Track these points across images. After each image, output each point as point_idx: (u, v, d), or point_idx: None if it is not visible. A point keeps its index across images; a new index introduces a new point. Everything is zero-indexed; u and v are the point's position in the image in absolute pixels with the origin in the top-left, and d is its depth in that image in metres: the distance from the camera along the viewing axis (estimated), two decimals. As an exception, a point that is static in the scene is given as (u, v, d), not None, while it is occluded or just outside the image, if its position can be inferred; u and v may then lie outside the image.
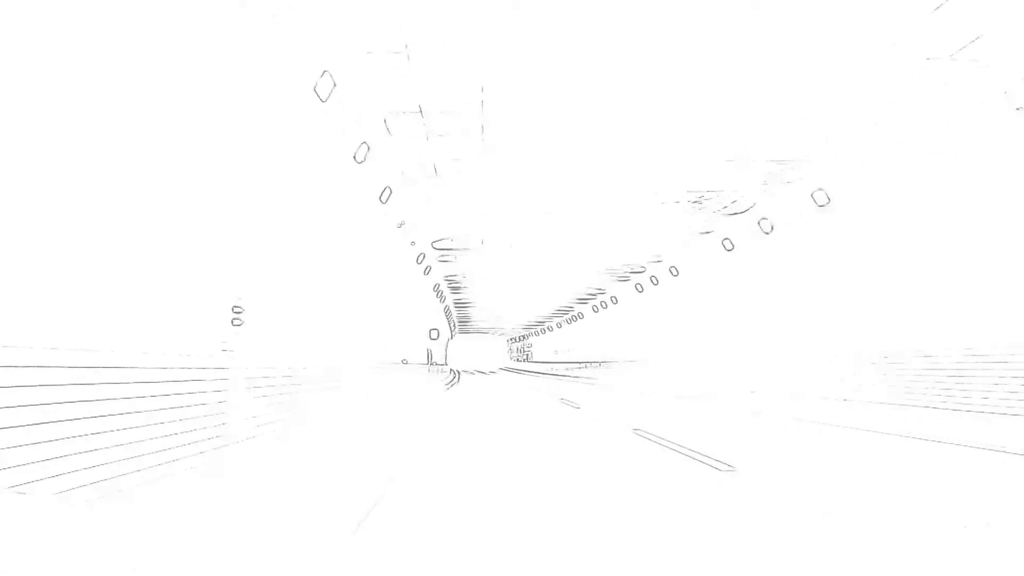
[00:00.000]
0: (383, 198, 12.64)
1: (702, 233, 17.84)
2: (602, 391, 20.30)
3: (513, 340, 68.53)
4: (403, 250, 16.97)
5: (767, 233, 15.27)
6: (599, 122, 10.32)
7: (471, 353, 65.11)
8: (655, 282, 24.61)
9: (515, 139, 10.88)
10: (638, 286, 26.15)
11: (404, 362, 17.79)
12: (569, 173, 12.98)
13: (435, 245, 18.85)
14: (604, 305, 32.32)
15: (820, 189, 12.57)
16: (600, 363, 35.15)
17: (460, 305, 34.84)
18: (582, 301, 34.25)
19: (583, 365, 38.21)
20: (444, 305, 33.39)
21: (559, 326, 44.91)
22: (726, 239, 17.68)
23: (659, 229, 17.64)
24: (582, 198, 14.75)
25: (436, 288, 25.78)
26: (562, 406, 14.07)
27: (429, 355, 25.57)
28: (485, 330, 57.46)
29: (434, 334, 25.77)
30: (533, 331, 57.68)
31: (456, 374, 39.17)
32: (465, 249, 19.87)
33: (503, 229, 17.70)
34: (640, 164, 12.38)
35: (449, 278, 27.47)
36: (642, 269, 24.30)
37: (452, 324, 50.66)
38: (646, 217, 16.34)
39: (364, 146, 10.20)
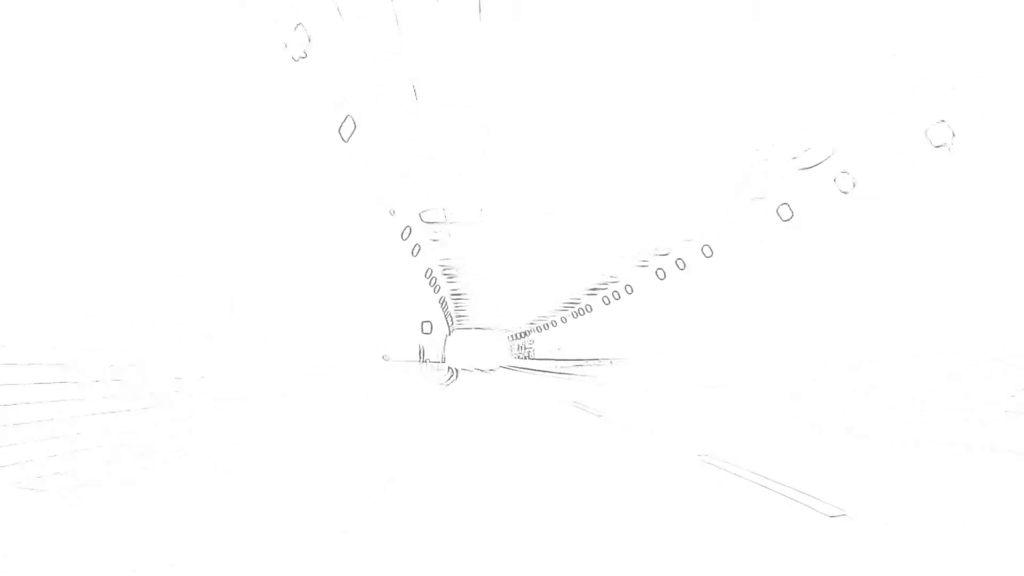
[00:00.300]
0: (343, 132, 9.14)
1: (753, 200, 14.50)
2: (620, 392, 17.07)
3: (514, 337, 65.33)
4: (382, 219, 14.10)
5: (845, 192, 12.44)
6: (626, 58, 8.29)
7: (470, 350, 62.13)
8: (681, 266, 21.24)
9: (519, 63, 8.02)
10: (659, 272, 22.79)
11: (385, 359, 14.45)
12: (586, 123, 10.44)
13: (423, 217, 15.44)
14: (617, 296, 28.98)
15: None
16: (609, 361, 32.01)
17: (456, 296, 31.47)
18: (591, 293, 30.94)
19: (587, 362, 35.05)
20: (439, 296, 30.03)
21: (564, 320, 41.57)
22: (784, 204, 14.17)
23: (694, 200, 14.71)
24: (602, 159, 12.11)
25: (428, 274, 22.37)
26: (582, 414, 10.81)
27: (421, 352, 22.16)
28: (484, 326, 54.42)
29: (427, 328, 22.35)
30: (536, 327, 54.48)
31: (454, 372, 36.94)
32: (458, 223, 16.51)
33: (505, 196, 14.85)
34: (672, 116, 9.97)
35: (443, 263, 24.10)
36: (666, 252, 20.98)
37: (449, 320, 47.61)
38: (679, 185, 13.64)
39: (300, 30, 6.74)
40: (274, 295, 7.90)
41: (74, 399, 4.08)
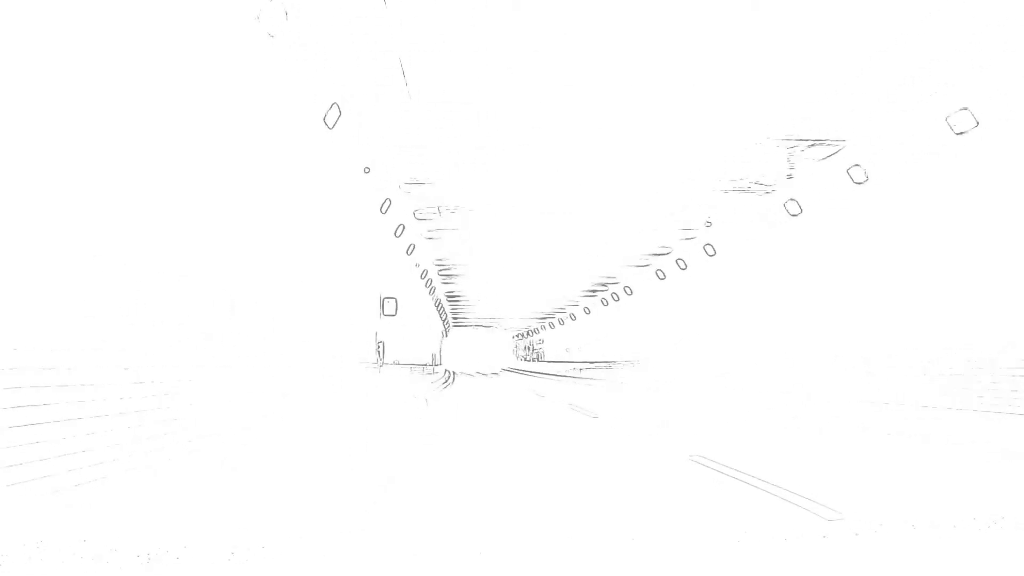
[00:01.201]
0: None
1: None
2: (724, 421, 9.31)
3: (520, 336, 56.71)
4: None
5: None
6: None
7: (468, 350, 54.08)
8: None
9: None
10: (708, 248, 15.15)
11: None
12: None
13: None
14: (661, 275, 20.33)
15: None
16: (632, 362, 24.93)
17: (445, 273, 22.90)
18: (641, 264, 22.42)
19: (606, 365, 27.68)
20: (424, 272, 21.46)
21: (587, 311, 32.82)
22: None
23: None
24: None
25: (400, 233, 13.85)
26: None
27: (380, 349, 13.50)
28: (485, 320, 46.07)
29: (389, 307, 13.69)
30: (546, 323, 45.93)
31: (451, 375, 30.99)
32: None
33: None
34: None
35: (422, 217, 15.59)
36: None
37: (445, 316, 39.67)
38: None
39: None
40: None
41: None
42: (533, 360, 51.88)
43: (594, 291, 28.58)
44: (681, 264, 19.64)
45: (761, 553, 2.91)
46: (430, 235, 17.24)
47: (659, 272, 21.54)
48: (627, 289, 24.18)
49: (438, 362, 36.96)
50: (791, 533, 3.24)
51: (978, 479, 4.61)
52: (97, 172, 4.46)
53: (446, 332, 52.37)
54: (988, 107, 8.70)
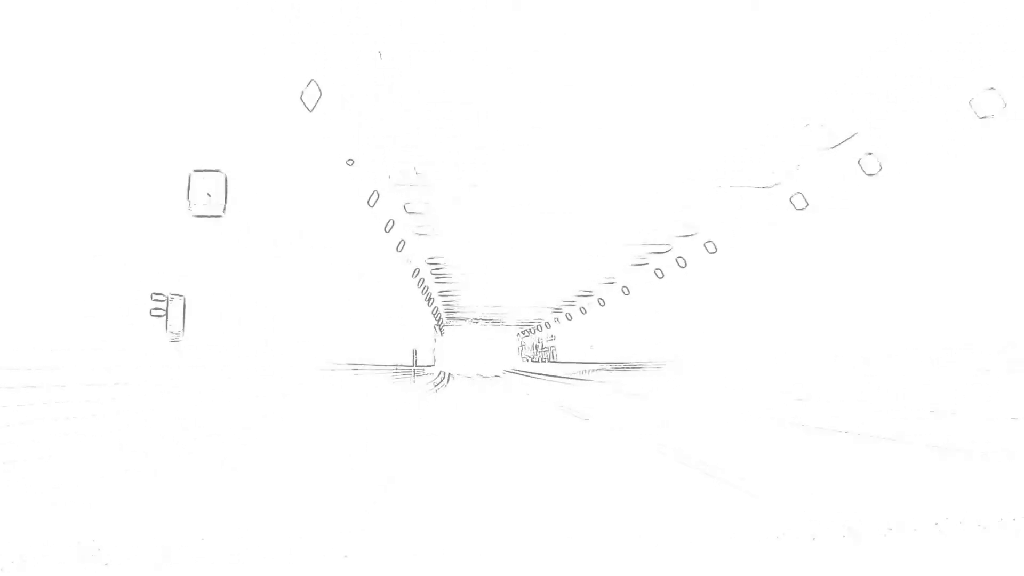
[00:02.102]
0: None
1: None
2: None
3: (526, 331, 48.02)
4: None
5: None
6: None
7: (465, 349, 46.06)
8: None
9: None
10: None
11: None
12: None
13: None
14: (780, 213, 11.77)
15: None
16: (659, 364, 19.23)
17: (421, 232, 14.24)
18: (663, 250, 14.07)
19: (643, 366, 21.42)
20: (390, 223, 12.74)
21: (626, 291, 23.98)
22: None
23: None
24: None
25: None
26: None
27: (163, 310, 4.73)
28: (484, 312, 37.65)
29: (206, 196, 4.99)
30: (559, 315, 37.29)
31: (445, 377, 26.84)
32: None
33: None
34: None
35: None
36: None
37: (434, 305, 31.28)
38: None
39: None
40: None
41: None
42: (543, 360, 43.04)
43: (645, 260, 19.73)
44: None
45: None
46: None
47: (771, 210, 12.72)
48: (709, 245, 15.35)
49: (426, 362, 28.50)
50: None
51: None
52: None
53: (440, 329, 44.05)
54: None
